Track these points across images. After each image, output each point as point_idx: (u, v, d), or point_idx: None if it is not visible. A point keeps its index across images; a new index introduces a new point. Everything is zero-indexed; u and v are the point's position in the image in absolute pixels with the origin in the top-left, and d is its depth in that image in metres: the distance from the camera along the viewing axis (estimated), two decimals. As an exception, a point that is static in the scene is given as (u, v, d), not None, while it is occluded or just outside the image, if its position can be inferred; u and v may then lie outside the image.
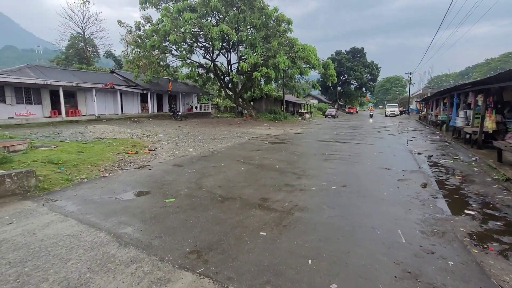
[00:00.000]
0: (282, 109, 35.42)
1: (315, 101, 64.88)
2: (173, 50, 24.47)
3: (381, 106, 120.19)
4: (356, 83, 67.37)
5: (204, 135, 14.28)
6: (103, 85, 19.52)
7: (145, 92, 23.73)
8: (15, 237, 3.30)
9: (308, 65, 21.69)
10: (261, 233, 3.44)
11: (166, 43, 21.33)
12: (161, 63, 25.15)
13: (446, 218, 4.00)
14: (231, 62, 24.35)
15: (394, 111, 43.68)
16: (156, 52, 22.92)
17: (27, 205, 4.41)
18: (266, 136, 14.87)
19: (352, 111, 61.59)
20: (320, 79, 42.95)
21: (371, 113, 43.64)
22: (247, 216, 4.00)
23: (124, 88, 21.73)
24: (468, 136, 10.70)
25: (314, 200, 4.74)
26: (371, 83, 67.11)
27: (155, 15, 22.65)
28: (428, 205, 4.51)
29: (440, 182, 5.98)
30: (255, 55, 17.41)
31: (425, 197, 4.94)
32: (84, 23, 37.47)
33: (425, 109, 32.67)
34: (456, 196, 5.03)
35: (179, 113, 23.28)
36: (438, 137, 13.62)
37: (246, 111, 28.66)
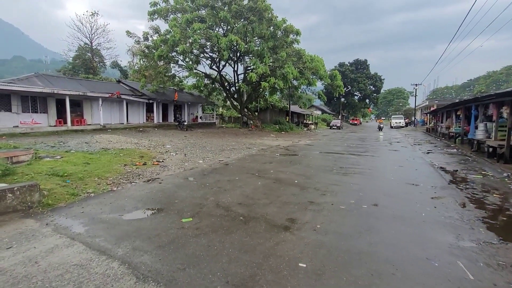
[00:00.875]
0: (287, 120, 35.24)
1: (319, 112, 64.84)
2: (180, 60, 24.54)
3: (384, 118, 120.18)
4: (359, 95, 67.43)
5: (212, 146, 13.88)
6: (110, 94, 19.37)
7: (151, 101, 23.57)
8: (14, 267, 2.83)
9: (315, 76, 21.51)
10: (300, 264, 2.95)
11: (173, 53, 21.35)
12: (168, 73, 25.16)
13: (507, 246, 3.49)
14: (238, 73, 24.23)
15: (400, 122, 43.29)
16: (162, 62, 22.91)
17: (29, 225, 3.95)
18: (276, 147, 14.44)
19: (356, 122, 61.31)
20: (324, 90, 42.86)
21: (381, 125, 36.17)
22: (278, 241, 3.51)
23: (131, 98, 21.57)
24: (490, 149, 10.20)
25: (348, 221, 4.25)
26: (375, 94, 67.12)
27: (163, 26, 22.90)
28: (478, 229, 4.00)
29: (478, 201, 5.46)
30: (264, 65, 17.23)
31: (470, 218, 4.43)
32: (92, 34, 38.00)
33: (432, 121, 32.27)
34: (505, 218, 4.51)
35: (185, 123, 23.00)
36: (455, 150, 13.10)
37: (251, 122, 28.38)
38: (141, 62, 22.64)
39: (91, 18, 36.48)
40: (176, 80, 26.92)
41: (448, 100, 42.37)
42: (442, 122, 23.55)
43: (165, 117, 27.46)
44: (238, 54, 21.50)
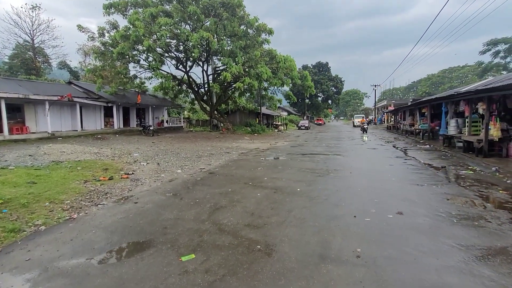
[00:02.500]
0: (257, 121, 34.67)
1: (285, 113, 65.75)
2: (142, 60, 22.42)
3: (342, 118, 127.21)
4: (322, 96, 70.02)
5: (186, 152, 12.52)
6: (59, 97, 16.69)
7: (109, 105, 21.04)
8: None
9: (287, 76, 21.20)
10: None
11: (135, 52, 19.30)
12: (128, 74, 22.81)
13: None
14: (208, 73, 22.91)
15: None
16: (123, 61, 20.61)
17: None
18: (255, 151, 13.59)
19: (320, 122, 63.50)
20: (287, 92, 43.29)
21: (364, 125, 27.32)
22: (327, 284, 2.64)
23: (85, 101, 18.94)
24: (465, 144, 10.61)
25: (389, 242, 3.54)
26: (336, 95, 70.27)
27: (121, 22, 20.61)
28: (523, 236, 3.58)
29: (494, 200, 5.23)
30: (237, 65, 16.29)
31: (504, 221, 4.05)
32: (33, 30, 33.21)
33: (392, 119, 34.38)
34: (534, 219, 4.23)
35: (151, 128, 20.96)
36: (428, 146, 13.61)
37: (222, 125, 27.16)
38: (97, 61, 20.07)
39: (32, 12, 31.88)
40: (137, 81, 24.62)
41: (400, 100, 45.81)
42: (404, 120, 24.96)
43: (126, 122, 24.89)
44: (207, 53, 20.21)
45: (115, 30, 19.23)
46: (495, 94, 8.53)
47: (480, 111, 9.52)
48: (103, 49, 20.16)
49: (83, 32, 19.18)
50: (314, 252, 3.20)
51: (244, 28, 18.01)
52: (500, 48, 51.04)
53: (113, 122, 21.99)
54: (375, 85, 47.32)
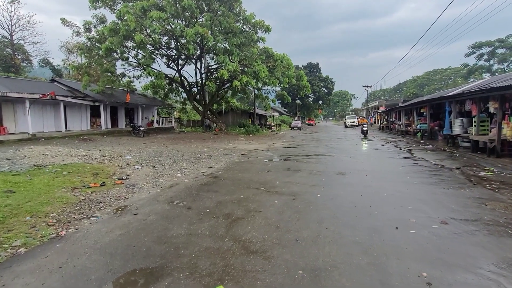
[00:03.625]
0: (250, 122, 34.01)
1: (276, 114, 65.47)
2: (130, 57, 21.31)
3: (331, 118, 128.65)
4: (313, 96, 70.16)
5: (183, 153, 11.71)
6: (42, 95, 15.44)
7: (96, 104, 19.83)
8: None
9: (283, 75, 20.64)
10: None
11: (124, 48, 18.20)
12: (115, 71, 21.62)
13: None
14: (202, 72, 22.04)
15: (354, 122, 45.75)
16: (109, 59, 19.43)
17: None
18: (255, 152, 12.94)
19: (312, 123, 63.63)
20: (281, 92, 42.97)
21: (364, 127, 21.96)
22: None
23: (70, 99, 17.69)
24: (473, 144, 10.37)
25: (454, 261, 2.98)
26: (327, 96, 70.63)
27: (109, 18, 19.27)
28: None
29: (532, 204, 4.80)
30: (234, 63, 15.58)
31: None
32: (12, 26, 31.23)
33: (385, 119, 34.57)
34: None
35: (141, 128, 19.89)
36: (431, 146, 13.37)
37: (215, 125, 26.34)
38: (83, 57, 18.83)
39: (10, 6, 29.93)
40: (125, 80, 23.43)
41: (392, 100, 46.34)
42: (399, 120, 25.00)
43: (114, 122, 23.67)
44: (201, 50, 19.35)
45: (102, 24, 18.07)
46: (509, 93, 8.26)
47: (491, 110, 9.27)
48: (89, 44, 18.94)
49: (67, 26, 17.91)
50: (372, 279, 2.59)
51: (241, 25, 17.32)
52: (484, 51, 52.71)
53: (100, 122, 20.77)
54: (367, 86, 47.74)
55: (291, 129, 41.63)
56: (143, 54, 18.57)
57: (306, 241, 3.40)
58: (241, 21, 17.39)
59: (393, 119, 27.32)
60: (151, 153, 11.46)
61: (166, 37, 20.08)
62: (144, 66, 18.57)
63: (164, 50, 21.96)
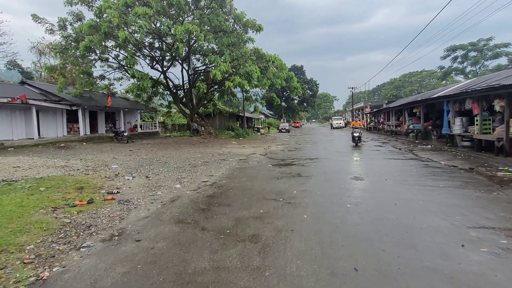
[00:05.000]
0: (238, 125, 33.22)
1: (262, 116, 65.11)
2: (111, 57, 19.91)
3: (314, 120, 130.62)
4: (298, 98, 70.60)
5: (175, 160, 10.73)
6: (9, 99, 13.80)
7: (74, 108, 18.20)
8: None
9: (274, 76, 20.10)
10: None
11: (104, 47, 16.81)
12: (93, 73, 20.08)
13: None
14: (189, 73, 21.00)
15: (340, 123, 46.26)
16: (84, 60, 17.93)
17: None
18: (253, 156, 12.20)
19: (297, 125, 64.05)
20: (270, 93, 42.65)
21: (355, 133, 14.66)
22: None
23: (43, 103, 16.05)
24: (477, 143, 10.26)
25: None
26: (312, 98, 71.37)
27: (87, 15, 17.86)
28: None
29: None
30: (226, 63, 14.78)
31: None
32: (-27, 24, 28.46)
33: (372, 120, 35.04)
34: None
35: (125, 134, 18.49)
36: (429, 146, 13.27)
37: (203, 129, 25.29)
38: (57, 57, 17.23)
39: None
40: (105, 82, 21.90)
41: (376, 102, 47.38)
42: (388, 121, 25.24)
43: (94, 127, 21.95)
44: (188, 50, 18.34)
45: (79, 22, 16.62)
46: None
47: (497, 108, 9.16)
48: (64, 44, 17.37)
49: (39, 23, 16.26)
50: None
51: (231, 23, 16.58)
52: (458, 53, 55.41)
53: (79, 128, 19.10)
54: (352, 88, 48.53)
55: (279, 132, 41.28)
56: (125, 54, 17.32)
57: (368, 271, 2.70)
58: (232, 20, 16.66)
59: (382, 120, 27.57)
60: (140, 161, 10.38)
61: (150, 37, 18.91)
62: (127, 67, 17.33)
63: (147, 50, 20.73)
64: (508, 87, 7.98)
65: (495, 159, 8.74)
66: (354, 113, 52.47)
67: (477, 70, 53.87)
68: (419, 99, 16.79)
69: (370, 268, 2.78)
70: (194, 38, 15.99)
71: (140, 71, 16.65)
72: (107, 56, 19.40)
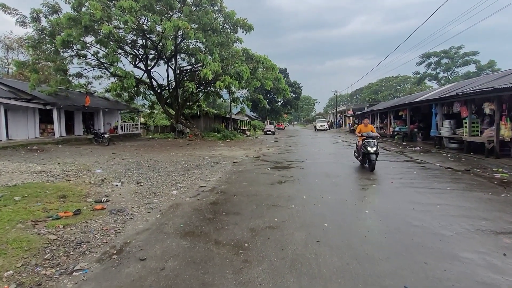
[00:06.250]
0: (224, 126, 32.60)
1: (246, 118, 64.77)
2: (90, 54, 18.68)
3: (296, 122, 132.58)
4: (282, 101, 71.04)
5: (165, 164, 10.07)
6: (-27, 96, 12.36)
7: (48, 108, 16.80)
8: None
9: (264, 77, 19.81)
10: None
11: (83, 42, 15.64)
12: (68, 70, 18.71)
13: None
14: (175, 72, 20.15)
15: (324, 125, 47.00)
16: (58, 57, 16.61)
17: None
18: (247, 159, 11.78)
19: (281, 127, 64.45)
20: (252, 96, 42.51)
21: (371, 147, 7.83)
22: None
23: (13, 102, 14.61)
24: (467, 145, 10.55)
25: None
26: (295, 101, 72.10)
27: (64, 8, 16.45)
28: None
29: None
30: (216, 63, 14.25)
31: None
32: None
33: (355, 122, 35.84)
34: None
35: (105, 136, 17.33)
36: (418, 148, 13.56)
37: (189, 131, 24.47)
38: (29, 52, 15.81)
39: None
40: (83, 80, 20.52)
41: (358, 105, 48.70)
42: (373, 123, 25.84)
43: (70, 128, 20.47)
44: (175, 48, 17.55)
45: (55, 15, 15.36)
46: (506, 94, 8.41)
47: (487, 111, 9.45)
48: (37, 37, 15.98)
49: (8, 13, 14.78)
50: None
51: (221, 22, 16.08)
52: (432, 60, 58.45)
53: (53, 129, 17.69)
54: (336, 91, 49.55)
55: (265, 134, 41.13)
56: (106, 51, 16.24)
57: (424, 291, 2.40)
58: (222, 18, 16.17)
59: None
60: (126, 165, 9.61)
61: (133, 34, 17.92)
62: (108, 64, 16.27)
63: (130, 48, 19.67)
64: (500, 90, 8.22)
65: (487, 161, 8.98)
66: (335, 115, 53.37)
67: (449, 77, 57.06)
68: (406, 102, 17.25)
69: (421, 284, 2.48)
70: (181, 36, 15.29)
71: (122, 69, 15.64)
72: (86, 52, 18.15)
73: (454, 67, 56.26)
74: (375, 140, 7.93)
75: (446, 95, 11.86)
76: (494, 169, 7.87)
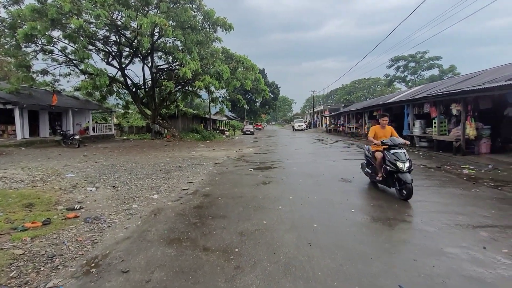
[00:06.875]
0: (202, 127, 32.01)
1: (225, 118, 64.22)
2: (56, 50, 17.42)
3: (274, 123, 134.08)
4: (260, 101, 71.38)
5: (143, 166, 9.61)
6: None
7: (8, 107, 15.40)
8: None
9: (244, 77, 19.68)
10: None
11: (49, 36, 14.49)
12: (32, 66, 17.32)
13: None
14: (152, 71, 19.38)
15: (302, 125, 47.91)
16: (22, 52, 15.32)
17: None
18: (229, 160, 11.61)
19: (260, 127, 64.82)
20: (231, 96, 42.30)
21: (401, 163, 5.05)
22: None
23: (-34, 101, 13.18)
24: (436, 144, 11.22)
25: None
26: (273, 101, 72.76)
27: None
28: None
29: (549, 201, 4.91)
30: (195, 62, 13.87)
31: None
32: None
33: (332, 122, 36.90)
34: None
35: (75, 137, 16.23)
36: (392, 146, 14.19)
37: (166, 131, 23.69)
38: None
39: None
40: (49, 78, 19.05)
41: (334, 105, 50.23)
42: (349, 123, 26.73)
43: (34, 130, 18.93)
44: (152, 46, 16.88)
45: (17, 5, 14.08)
46: (471, 96, 9.05)
47: (454, 111, 10.10)
48: (-5, 30, 14.57)
49: (-39, 3, 13.30)
50: None
51: (200, 20, 15.70)
52: (401, 64, 61.82)
53: (15, 130, 16.28)
54: (313, 91, 50.70)
55: (244, 134, 41.04)
56: (76, 47, 15.20)
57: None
58: (201, 16, 15.81)
59: (342, 122, 29.11)
60: (100, 168, 9.03)
61: (105, 29, 16.95)
62: (78, 61, 15.25)
63: (102, 44, 18.60)
64: (466, 92, 8.84)
65: (455, 158, 9.60)
66: (312, 115, 54.59)
67: (416, 79, 60.69)
68: (380, 102, 18.03)
69: (414, 282, 2.52)
70: (158, 33, 14.72)
71: (94, 67, 14.72)
72: (52, 47, 16.87)
73: (420, 71, 59.91)
74: (405, 150, 5.27)
75: (417, 97, 12.55)
76: (461, 166, 8.43)
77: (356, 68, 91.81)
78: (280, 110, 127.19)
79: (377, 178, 5.72)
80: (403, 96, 16.53)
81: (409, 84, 57.16)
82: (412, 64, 60.32)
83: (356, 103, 37.91)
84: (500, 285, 2.46)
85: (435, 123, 11.44)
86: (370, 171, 6.20)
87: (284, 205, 5.00)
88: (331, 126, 37.02)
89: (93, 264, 3.07)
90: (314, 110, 52.43)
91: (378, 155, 5.55)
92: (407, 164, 5.02)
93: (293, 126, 50.78)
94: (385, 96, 29.21)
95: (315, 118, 52.71)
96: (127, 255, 3.27)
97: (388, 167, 5.19)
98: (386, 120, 5.91)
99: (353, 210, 4.59)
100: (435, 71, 55.91)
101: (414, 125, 13.00)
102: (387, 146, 5.40)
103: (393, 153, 5.19)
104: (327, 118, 38.44)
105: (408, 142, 5.78)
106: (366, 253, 3.11)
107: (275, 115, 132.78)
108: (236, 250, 3.30)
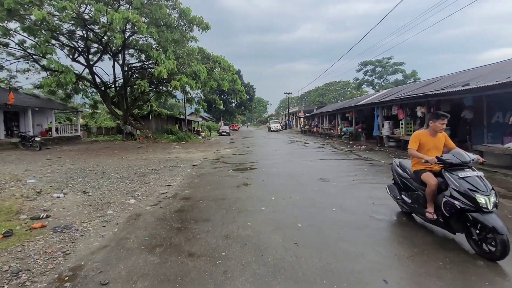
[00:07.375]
0: (177, 127, 31.16)
1: (200, 119, 63.09)
2: (13, 43, 15.94)
3: (249, 124, 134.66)
4: (236, 102, 71.19)
5: (116, 169, 9.10)
6: None
7: (-45, 106, 13.73)
8: None
9: (221, 78, 19.50)
10: None
11: (5, 28, 13.17)
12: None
13: None
14: (124, 69, 18.42)
15: (277, 126, 48.64)
16: None
17: None
18: (206, 161, 11.41)
19: (236, 128, 64.67)
20: (207, 97, 41.73)
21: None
22: None
23: None
24: (403, 143, 11.97)
25: None
26: (249, 102, 72.99)
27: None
28: None
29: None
30: (171, 61, 13.43)
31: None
32: None
33: (306, 123, 37.89)
34: None
35: (36, 139, 14.91)
36: (363, 146, 14.92)
37: (139, 132, 22.71)
38: None
39: None
40: (4, 74, 17.39)
41: (308, 107, 51.64)
42: (323, 124, 27.62)
43: (-14, 131, 17.09)
44: (123, 43, 16.04)
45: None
46: (434, 99, 9.81)
47: (419, 113, 10.85)
48: None
49: None
50: None
51: (176, 18, 15.25)
52: (368, 68, 65.25)
53: (-37, 131, 14.54)
54: (288, 93, 51.63)
55: (220, 135, 40.70)
56: (36, 41, 14.01)
57: (395, 281, 2.57)
58: (177, 14, 15.35)
59: (316, 123, 29.99)
60: (67, 172, 8.39)
61: (71, 23, 15.81)
62: (39, 56, 14.06)
63: (66, 38, 17.34)
64: (430, 96, 9.56)
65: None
66: (287, 116, 55.65)
67: (382, 83, 64.38)
68: (352, 104, 18.86)
69: (400, 279, 2.66)
70: (130, 29, 14.06)
71: (59, 63, 13.64)
72: (8, 40, 15.38)
73: (386, 75, 63.70)
74: (481, 174, 3.20)
75: (387, 99, 13.33)
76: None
77: (328, 71, 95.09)
78: (256, 111, 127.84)
79: (427, 215, 3.46)
80: (373, 99, 17.45)
81: (376, 87, 60.48)
82: (378, 69, 63.93)
83: (329, 105, 39.28)
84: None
85: (402, 124, 12.21)
86: (409, 201, 3.88)
87: (267, 206, 5.02)
88: (305, 127, 38.02)
89: (67, 278, 2.83)
90: (289, 112, 53.42)
91: (430, 179, 3.39)
92: (492, 199, 2.94)
93: (268, 127, 51.34)
94: (356, 98, 30.63)
95: (290, 119, 53.78)
96: (105, 265, 3.05)
97: (456, 202, 3.06)
98: (444, 124, 3.62)
99: (334, 209, 4.73)
100: (399, 76, 59.82)
101: (383, 126, 13.77)
102: (449, 164, 3.26)
103: (463, 178, 3.10)
104: (302, 119, 39.38)
105: (481, 158, 3.59)
106: (350, 250, 3.22)
107: (250, 116, 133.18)
108: (223, 254, 3.23)
